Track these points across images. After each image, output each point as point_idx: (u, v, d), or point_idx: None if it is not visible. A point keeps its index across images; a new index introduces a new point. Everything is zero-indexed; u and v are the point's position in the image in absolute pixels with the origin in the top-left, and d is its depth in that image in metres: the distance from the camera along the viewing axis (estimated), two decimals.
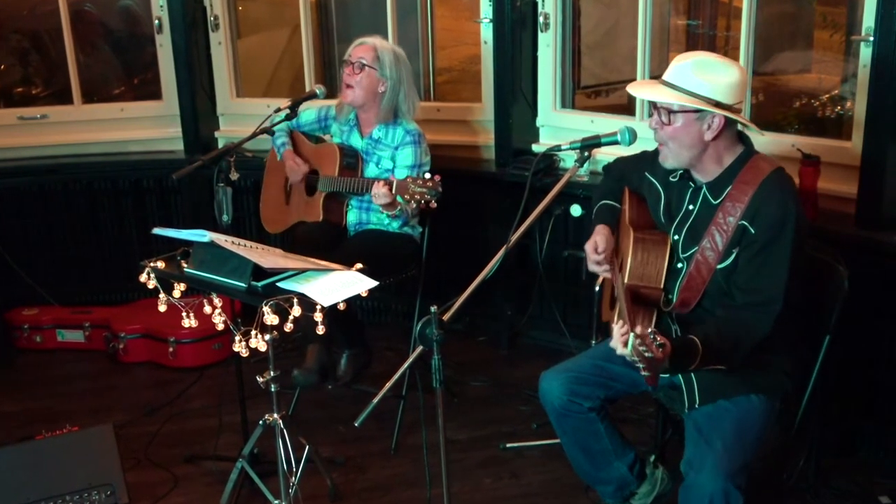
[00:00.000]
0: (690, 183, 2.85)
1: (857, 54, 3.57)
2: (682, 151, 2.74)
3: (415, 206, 3.44)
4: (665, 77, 2.74)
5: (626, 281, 2.84)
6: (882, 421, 3.57)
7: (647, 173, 3.03)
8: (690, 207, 2.84)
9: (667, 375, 2.87)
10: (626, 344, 2.38)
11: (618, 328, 2.51)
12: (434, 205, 3.43)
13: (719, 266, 2.73)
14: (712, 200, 2.77)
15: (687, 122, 2.69)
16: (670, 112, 2.70)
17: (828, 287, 2.92)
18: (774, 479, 3.34)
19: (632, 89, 2.86)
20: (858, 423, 3.63)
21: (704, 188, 2.80)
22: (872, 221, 3.45)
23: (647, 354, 2.33)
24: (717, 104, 2.65)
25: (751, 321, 2.66)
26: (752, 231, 2.66)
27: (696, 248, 2.76)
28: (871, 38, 3.36)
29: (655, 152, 2.89)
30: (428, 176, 3.40)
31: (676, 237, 2.86)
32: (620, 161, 3.27)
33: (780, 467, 3.35)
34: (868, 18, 3.43)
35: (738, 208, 2.69)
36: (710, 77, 2.66)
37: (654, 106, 2.76)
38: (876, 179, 3.41)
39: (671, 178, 2.92)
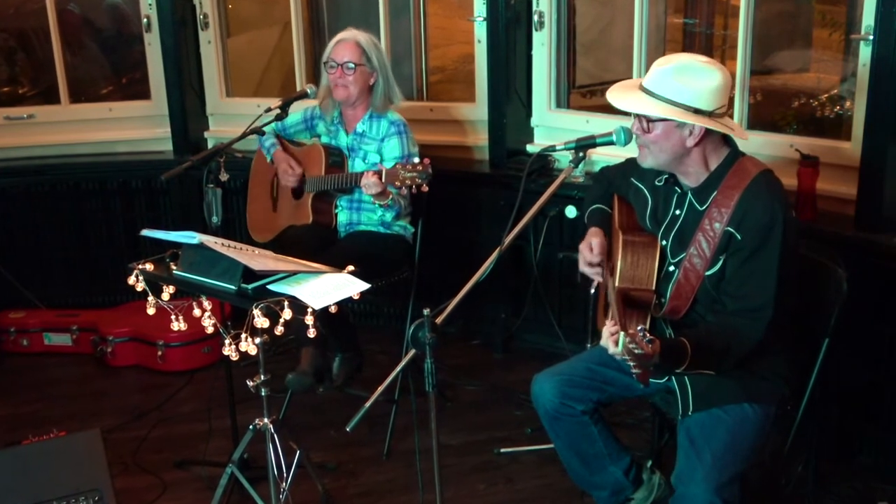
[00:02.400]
0: (676, 188, 2.81)
1: (856, 53, 3.54)
2: (661, 155, 2.70)
3: (406, 192, 3.45)
4: (645, 83, 2.68)
5: (617, 284, 2.82)
6: (882, 425, 3.54)
7: (633, 179, 3.00)
8: (677, 213, 2.81)
9: (662, 381, 2.87)
10: (616, 343, 2.37)
11: (608, 327, 2.51)
12: (426, 188, 3.45)
13: (707, 273, 2.70)
14: (698, 206, 2.74)
15: (667, 130, 2.65)
16: (649, 120, 2.66)
17: (826, 289, 2.90)
18: (772, 484, 3.30)
19: (611, 97, 2.77)
20: (858, 428, 3.61)
21: (690, 194, 2.77)
22: (872, 223, 3.43)
23: (637, 351, 2.32)
24: (697, 111, 2.60)
25: (742, 328, 2.64)
26: (739, 237, 2.63)
27: (685, 254, 2.74)
28: (871, 37, 3.34)
29: None
30: (416, 160, 3.39)
31: (664, 242, 2.84)
32: (607, 168, 3.26)
33: (778, 472, 3.31)
34: (868, 17, 3.41)
35: (724, 214, 2.65)
36: (690, 83, 2.60)
37: (635, 115, 2.71)
38: (875, 180, 3.38)
39: (657, 183, 2.88)
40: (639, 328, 2.36)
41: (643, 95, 2.66)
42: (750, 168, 2.69)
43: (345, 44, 3.88)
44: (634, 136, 2.73)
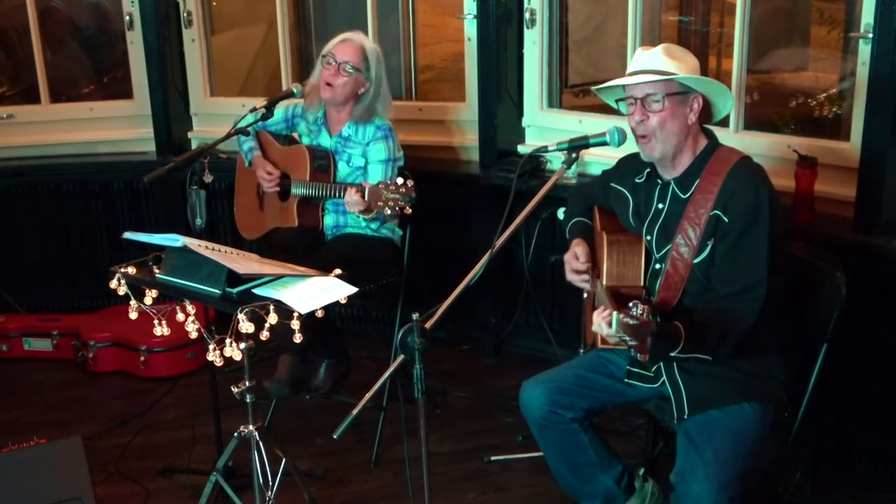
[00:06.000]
0: (658, 181, 2.85)
1: (855, 52, 3.52)
2: (669, 138, 2.72)
3: (389, 212, 3.41)
4: (637, 68, 2.72)
5: (605, 283, 2.84)
6: (882, 432, 3.51)
7: (612, 183, 3.05)
8: (660, 206, 2.84)
9: (656, 386, 2.86)
10: (610, 324, 2.39)
11: (598, 313, 2.53)
12: (409, 211, 3.39)
13: (696, 260, 2.73)
14: (681, 195, 2.78)
15: (672, 107, 2.69)
16: (656, 100, 2.68)
17: (825, 293, 2.89)
18: (769, 493, 3.28)
19: (617, 81, 2.78)
20: (857, 435, 3.58)
21: (672, 184, 2.81)
22: (871, 225, 3.40)
23: (632, 323, 2.32)
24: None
25: (737, 309, 2.65)
26: (726, 220, 2.67)
27: (670, 245, 2.77)
28: (871, 35, 3.32)
29: (618, 165, 3.05)
30: (400, 181, 3.36)
31: (649, 237, 2.87)
32: (582, 185, 3.36)
33: (775, 481, 3.30)
34: (867, 14, 3.38)
35: (709, 199, 2.70)
36: (681, 60, 2.70)
37: (636, 101, 2.71)
38: (875, 182, 3.36)
39: (637, 180, 2.93)
40: (630, 304, 2.36)
41: (647, 74, 2.69)
42: (731, 155, 2.75)
43: (351, 44, 3.82)
44: (635, 130, 2.74)
